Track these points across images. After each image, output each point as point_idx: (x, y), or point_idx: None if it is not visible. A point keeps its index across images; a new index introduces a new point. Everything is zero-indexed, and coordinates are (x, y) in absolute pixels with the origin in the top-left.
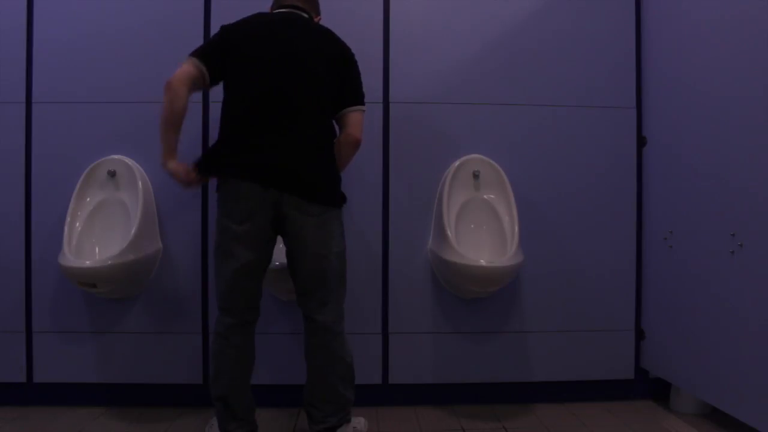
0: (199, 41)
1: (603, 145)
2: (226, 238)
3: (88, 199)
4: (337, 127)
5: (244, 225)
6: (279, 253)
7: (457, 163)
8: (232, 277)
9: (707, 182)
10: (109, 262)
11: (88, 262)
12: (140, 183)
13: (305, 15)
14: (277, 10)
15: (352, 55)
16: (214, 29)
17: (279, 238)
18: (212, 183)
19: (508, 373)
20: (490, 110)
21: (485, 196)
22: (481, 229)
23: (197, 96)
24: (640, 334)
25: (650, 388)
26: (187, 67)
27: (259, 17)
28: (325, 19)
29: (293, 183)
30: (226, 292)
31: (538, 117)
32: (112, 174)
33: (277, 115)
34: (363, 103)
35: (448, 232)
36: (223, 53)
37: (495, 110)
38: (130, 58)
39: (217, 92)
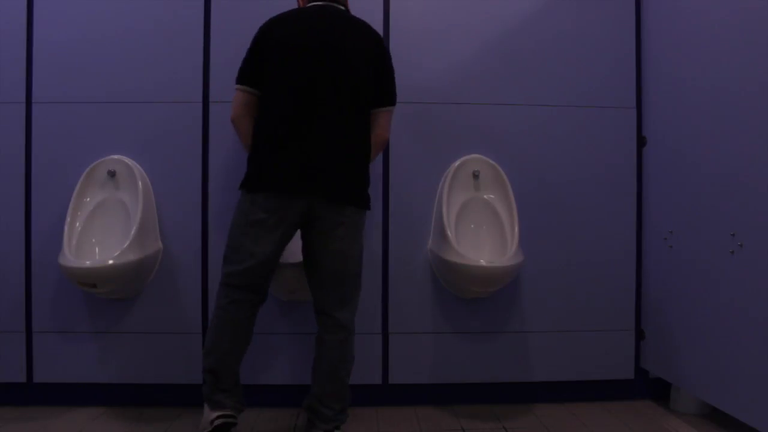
0: (199, 41)
1: (603, 144)
2: (251, 225)
3: (88, 199)
4: None
5: (273, 223)
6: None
7: (457, 163)
8: (249, 261)
9: (707, 182)
10: (110, 262)
11: (88, 262)
12: (140, 183)
13: (341, 7)
14: (312, 3)
15: (388, 51)
16: (215, 28)
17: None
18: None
19: (508, 373)
20: (489, 110)
21: (485, 196)
22: (481, 229)
23: (197, 95)
24: (640, 334)
25: (650, 388)
26: (237, 99)
27: (295, 13)
28: None
29: (329, 189)
30: (239, 271)
31: (538, 117)
32: (112, 174)
33: (316, 114)
34: (395, 103)
35: (448, 232)
36: (261, 62)
37: (495, 110)
38: (130, 58)
39: (216, 92)
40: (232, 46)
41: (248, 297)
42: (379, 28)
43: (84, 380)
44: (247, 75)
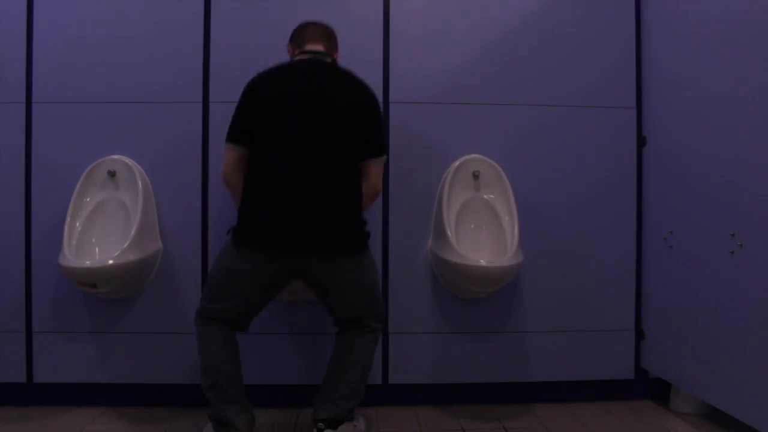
0: (200, 40)
1: (603, 145)
2: (235, 273)
3: (88, 199)
4: None
5: (260, 274)
6: None
7: (457, 163)
8: (229, 302)
9: (707, 182)
10: (110, 262)
11: (88, 262)
12: (140, 183)
13: (328, 59)
14: (298, 58)
15: (377, 102)
16: (215, 28)
17: None
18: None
19: (508, 373)
20: (489, 110)
21: (485, 196)
22: (480, 229)
23: (197, 95)
24: (640, 334)
25: (650, 388)
26: (228, 157)
27: (281, 70)
28: (326, 18)
29: (321, 243)
30: (218, 309)
31: (538, 117)
32: (112, 174)
33: (304, 168)
34: (384, 153)
35: (448, 232)
36: (250, 118)
37: (495, 110)
38: (130, 58)
39: (216, 92)
40: (233, 46)
41: (223, 326)
42: (378, 28)
43: (84, 380)
44: (236, 132)
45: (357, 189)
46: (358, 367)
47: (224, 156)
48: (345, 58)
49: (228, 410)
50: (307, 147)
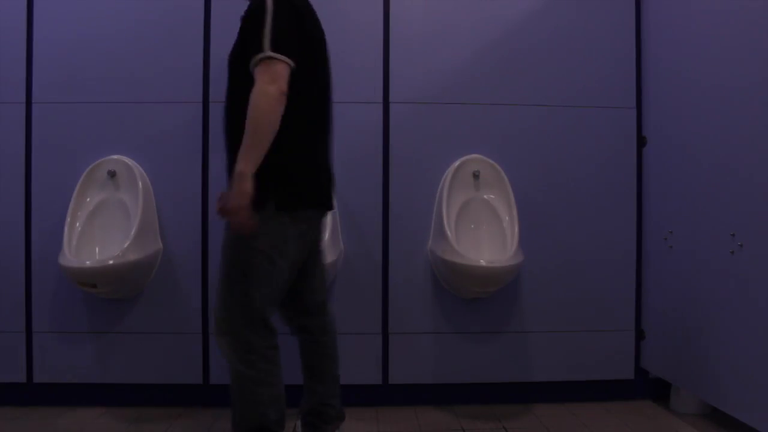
0: (199, 41)
1: (603, 144)
2: (283, 262)
3: (88, 199)
4: None
5: (302, 253)
6: None
7: (457, 163)
8: (279, 297)
9: (707, 182)
10: (110, 262)
11: (88, 262)
12: (140, 183)
13: None
14: None
15: None
16: (215, 29)
17: None
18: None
19: (508, 373)
20: (489, 110)
21: (485, 196)
22: (480, 229)
23: (197, 95)
24: (640, 334)
25: (650, 388)
26: (282, 73)
27: (307, 5)
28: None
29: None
30: (270, 309)
31: (538, 117)
32: (112, 174)
33: (327, 119)
34: None
35: (448, 232)
36: (300, 39)
37: (495, 110)
38: (130, 58)
39: (217, 92)
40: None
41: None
42: (378, 29)
43: (84, 380)
44: (292, 46)
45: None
46: (338, 377)
47: (270, 74)
48: (345, 59)
49: None
50: (328, 96)
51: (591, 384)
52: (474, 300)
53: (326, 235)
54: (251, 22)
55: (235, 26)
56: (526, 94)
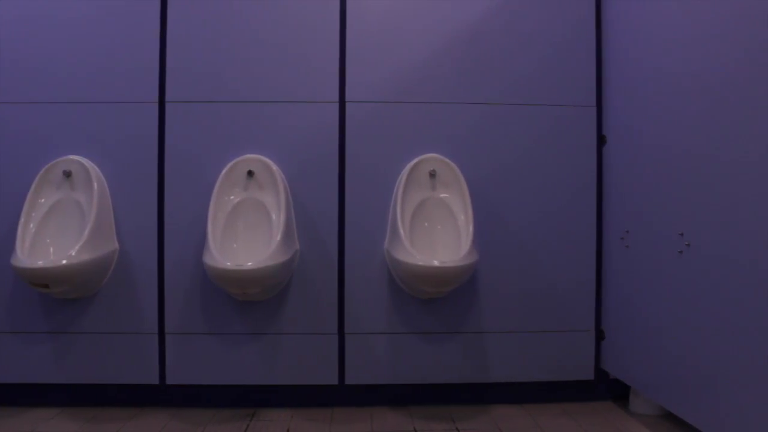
0: (155, 42)
1: (563, 143)
2: None
3: (43, 200)
4: None
5: None
6: (235, 254)
7: (413, 162)
8: None
9: (660, 181)
10: (63, 262)
11: (40, 263)
12: (95, 183)
13: None
14: None
15: None
16: (171, 28)
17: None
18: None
19: (466, 374)
20: (447, 109)
21: (441, 196)
22: (435, 229)
23: (152, 95)
24: (600, 335)
25: (610, 389)
26: None
27: None
28: (281, 15)
29: None
30: None
31: (496, 116)
32: (68, 174)
33: None
34: None
35: (401, 232)
36: None
37: (452, 109)
38: (87, 58)
39: (173, 92)
40: (189, 47)
41: None
42: (335, 27)
43: (39, 380)
44: None
45: None
46: None
47: None
48: (301, 58)
49: None
50: None
51: (551, 385)
52: (431, 300)
53: (279, 235)
54: None
55: (191, 25)
56: (484, 93)
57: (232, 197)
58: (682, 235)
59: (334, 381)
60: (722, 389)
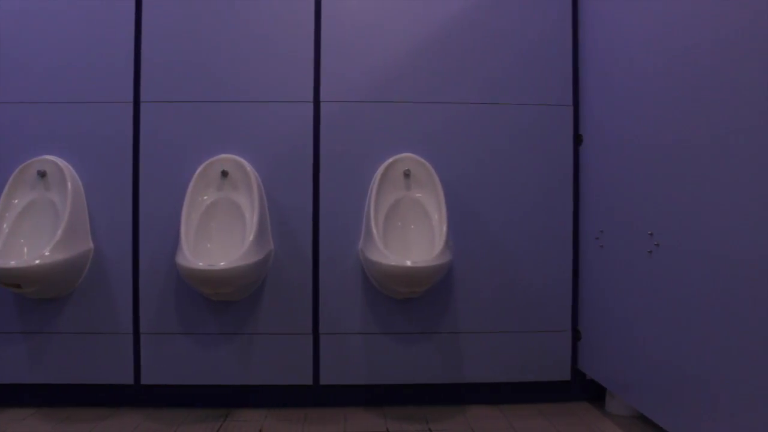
0: (130, 41)
1: (539, 143)
2: None
3: (17, 201)
4: None
5: None
6: (208, 254)
7: (388, 161)
8: None
9: (632, 181)
10: (36, 262)
11: (13, 263)
12: (69, 183)
13: None
14: None
15: None
16: (146, 27)
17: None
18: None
19: (441, 375)
20: (422, 109)
21: (416, 195)
22: (409, 229)
23: (128, 95)
24: (576, 335)
25: (587, 389)
26: None
27: None
28: (255, 14)
29: None
30: None
31: (471, 115)
32: (42, 174)
33: None
34: None
35: (375, 232)
36: None
37: (427, 109)
38: (61, 58)
39: (148, 92)
40: (164, 47)
41: None
42: (310, 26)
43: (13, 381)
44: None
45: None
46: None
47: None
48: (276, 56)
49: None
50: None
51: (527, 385)
52: (406, 300)
53: (252, 235)
54: None
55: (167, 23)
56: (460, 92)
57: (206, 197)
58: (651, 234)
59: (309, 381)
60: (692, 391)
